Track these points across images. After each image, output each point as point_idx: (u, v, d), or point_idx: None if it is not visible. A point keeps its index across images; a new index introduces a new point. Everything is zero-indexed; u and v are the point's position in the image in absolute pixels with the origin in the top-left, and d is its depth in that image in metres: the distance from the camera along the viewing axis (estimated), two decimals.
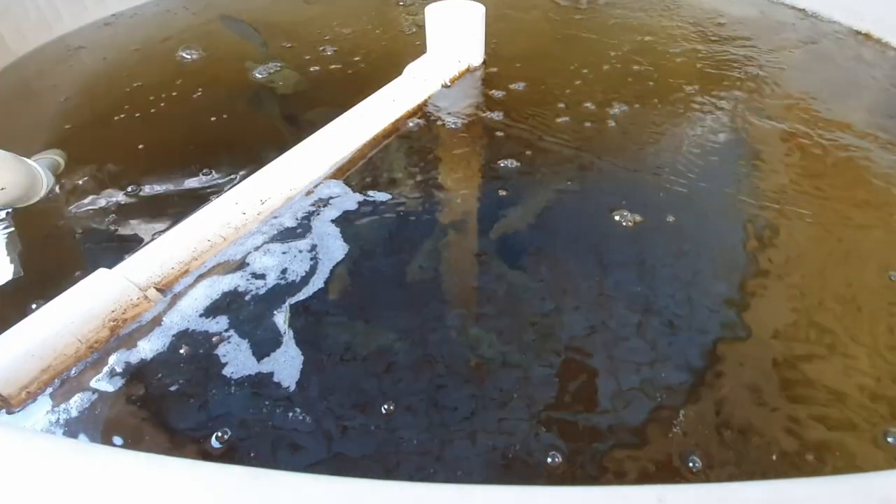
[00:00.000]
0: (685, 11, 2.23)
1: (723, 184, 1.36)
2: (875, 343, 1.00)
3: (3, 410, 0.91)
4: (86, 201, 1.36)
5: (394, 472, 0.83)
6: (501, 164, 1.43)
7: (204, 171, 1.43)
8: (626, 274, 1.14)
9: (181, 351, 1.00)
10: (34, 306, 1.01)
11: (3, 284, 1.15)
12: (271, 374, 0.97)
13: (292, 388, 0.95)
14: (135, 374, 0.97)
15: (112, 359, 0.99)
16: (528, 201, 1.32)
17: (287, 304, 1.08)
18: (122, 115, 1.67)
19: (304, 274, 1.14)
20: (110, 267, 1.09)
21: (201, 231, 1.18)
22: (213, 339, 1.02)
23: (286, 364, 0.98)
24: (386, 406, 0.91)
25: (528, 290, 1.11)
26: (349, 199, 1.32)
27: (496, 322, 1.05)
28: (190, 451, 0.87)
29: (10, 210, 1.30)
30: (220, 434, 0.88)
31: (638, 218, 1.26)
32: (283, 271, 1.14)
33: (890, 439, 0.86)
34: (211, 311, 1.07)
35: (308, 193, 1.33)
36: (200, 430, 0.89)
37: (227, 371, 0.97)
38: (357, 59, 1.93)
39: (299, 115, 1.66)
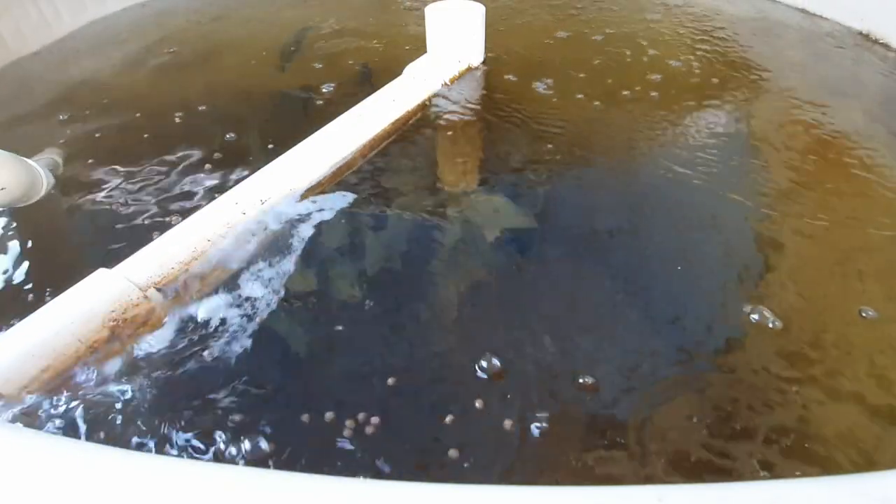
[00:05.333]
0: (685, 10, 2.23)
1: (721, 182, 1.36)
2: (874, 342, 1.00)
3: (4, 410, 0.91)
4: (85, 201, 1.36)
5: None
6: (502, 164, 1.43)
7: (205, 171, 1.43)
8: (628, 270, 1.14)
9: (181, 351, 1.00)
10: (34, 306, 1.01)
11: (3, 284, 1.15)
12: (268, 376, 0.97)
13: (290, 389, 0.95)
14: (134, 374, 0.97)
15: (112, 359, 0.99)
16: (528, 200, 1.32)
17: (284, 305, 1.08)
18: (121, 115, 1.67)
19: (301, 276, 1.14)
20: (110, 267, 1.09)
21: (201, 231, 1.18)
22: (212, 340, 1.02)
23: (282, 366, 0.98)
24: (377, 410, 0.92)
25: (531, 289, 1.11)
26: (348, 200, 1.32)
27: (498, 323, 1.05)
28: (190, 450, 0.87)
29: (9, 210, 1.30)
30: (218, 434, 0.88)
31: (637, 215, 1.26)
32: (281, 274, 1.14)
33: None
34: (210, 311, 1.07)
35: (306, 193, 1.33)
36: (199, 430, 0.89)
37: (225, 372, 0.97)
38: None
39: None
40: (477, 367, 0.96)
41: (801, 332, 1.02)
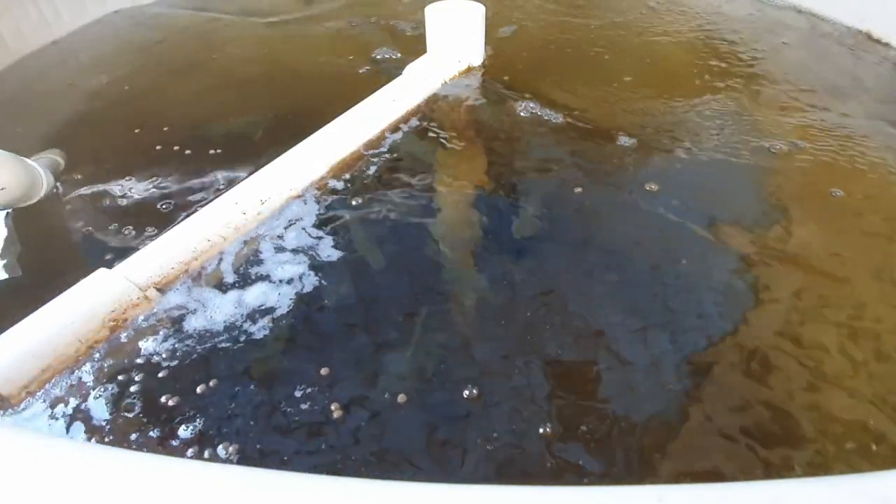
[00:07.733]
0: (685, 10, 2.23)
1: (722, 182, 1.36)
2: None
3: (4, 410, 0.91)
4: (85, 201, 1.36)
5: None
6: (501, 164, 1.43)
7: (205, 171, 1.42)
8: (629, 272, 1.14)
9: (181, 351, 1.00)
10: (34, 306, 1.01)
11: (3, 284, 1.15)
12: (269, 375, 0.97)
13: (289, 389, 0.95)
14: (134, 374, 0.97)
15: (112, 359, 0.99)
16: (528, 201, 1.31)
17: (285, 306, 1.08)
18: (122, 116, 1.67)
19: (300, 276, 1.14)
20: (110, 267, 1.09)
21: (201, 231, 1.18)
22: (212, 340, 1.02)
23: (282, 366, 0.98)
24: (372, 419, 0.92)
25: (531, 291, 1.11)
26: (347, 200, 1.32)
27: (497, 324, 1.05)
28: (189, 451, 0.87)
29: (9, 210, 1.30)
30: (218, 433, 0.88)
31: (639, 217, 1.26)
32: (280, 273, 1.14)
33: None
34: (211, 311, 1.07)
35: (305, 193, 1.33)
36: (199, 430, 0.89)
37: (226, 371, 0.97)
38: None
39: None
40: None
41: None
